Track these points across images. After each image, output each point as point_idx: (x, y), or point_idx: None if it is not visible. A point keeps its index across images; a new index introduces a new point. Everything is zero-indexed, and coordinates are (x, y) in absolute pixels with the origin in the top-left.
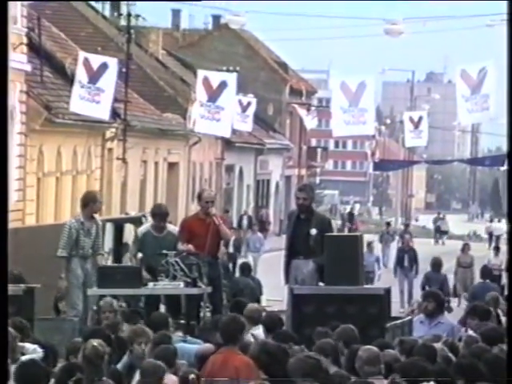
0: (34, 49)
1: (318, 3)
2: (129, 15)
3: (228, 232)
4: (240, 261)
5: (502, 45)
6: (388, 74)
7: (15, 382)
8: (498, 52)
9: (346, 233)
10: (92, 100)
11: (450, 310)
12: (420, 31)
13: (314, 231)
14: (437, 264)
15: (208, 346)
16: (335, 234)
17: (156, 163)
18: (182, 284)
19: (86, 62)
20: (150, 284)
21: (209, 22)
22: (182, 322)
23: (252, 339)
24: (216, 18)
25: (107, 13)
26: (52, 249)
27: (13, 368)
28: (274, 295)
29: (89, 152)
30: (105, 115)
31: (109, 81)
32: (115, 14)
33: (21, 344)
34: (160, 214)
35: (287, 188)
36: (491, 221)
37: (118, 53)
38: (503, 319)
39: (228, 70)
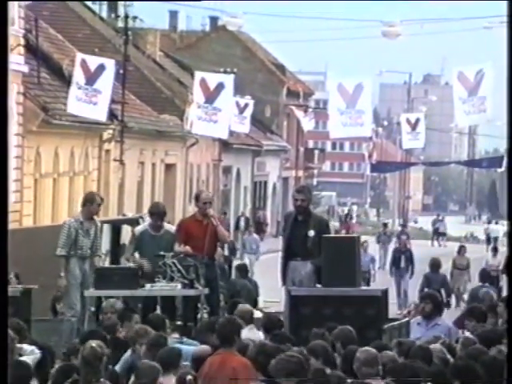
0: (32, 50)
1: (315, 5)
2: (126, 17)
3: (226, 233)
4: (236, 262)
5: (499, 47)
6: (385, 75)
7: None
8: (495, 54)
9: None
10: (89, 101)
11: (448, 305)
12: (417, 33)
13: (311, 233)
14: (435, 264)
15: (205, 347)
16: (332, 235)
17: (153, 164)
18: (179, 285)
19: (84, 64)
20: (147, 285)
21: (206, 23)
22: (179, 323)
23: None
24: (213, 19)
25: (104, 14)
26: (49, 250)
27: None
28: (272, 297)
29: (86, 153)
30: (102, 116)
31: (106, 82)
32: (112, 15)
33: (19, 345)
34: (158, 213)
35: (284, 189)
36: (489, 222)
37: (115, 54)
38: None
39: (225, 72)
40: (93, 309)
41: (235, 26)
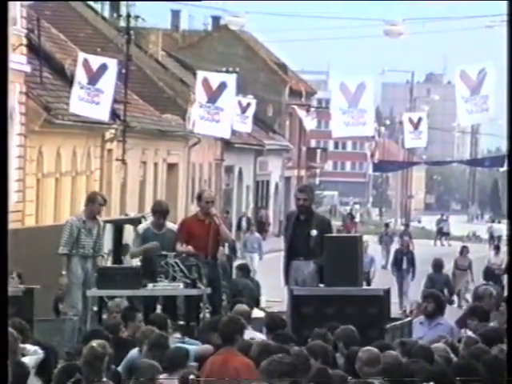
0: (34, 50)
1: (317, 4)
2: (128, 16)
3: (228, 232)
4: (238, 262)
5: (501, 46)
6: (387, 74)
7: None
8: (497, 53)
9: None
10: (91, 101)
11: (451, 302)
12: (419, 32)
13: (314, 232)
14: (438, 265)
15: (207, 347)
16: (335, 234)
17: (155, 164)
18: (181, 285)
19: (86, 63)
20: (150, 285)
21: (208, 22)
22: (182, 323)
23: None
24: (215, 19)
25: (107, 14)
26: (51, 249)
27: None
28: (274, 296)
29: (88, 153)
30: (104, 116)
31: (108, 82)
32: (115, 14)
33: (22, 346)
34: (160, 211)
35: (287, 189)
36: (493, 221)
37: (117, 54)
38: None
39: (227, 71)
40: (95, 308)
41: (237, 25)
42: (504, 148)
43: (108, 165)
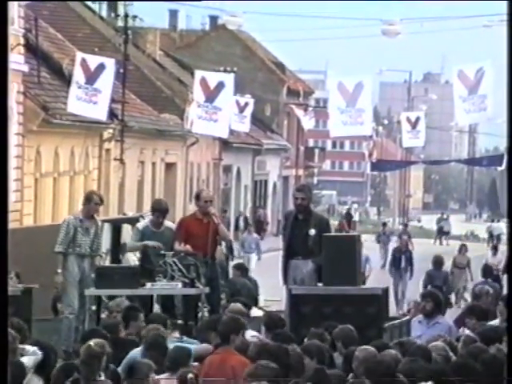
0: (31, 50)
1: (315, 4)
2: (126, 16)
3: (227, 232)
4: (235, 262)
5: (499, 45)
6: (385, 74)
7: None
8: (495, 52)
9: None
10: (89, 101)
11: (450, 305)
12: (417, 31)
13: (312, 232)
14: (438, 262)
15: (205, 346)
16: (333, 234)
17: (153, 164)
18: (179, 284)
19: (84, 63)
20: (148, 284)
21: (206, 22)
22: (180, 322)
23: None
24: (213, 18)
25: (104, 13)
26: (50, 249)
27: None
28: (273, 295)
29: (86, 153)
30: (102, 116)
31: (106, 81)
32: (112, 14)
33: (21, 346)
34: (160, 210)
35: (285, 188)
36: (492, 220)
37: (115, 53)
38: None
39: (225, 71)
40: (93, 308)
41: (235, 24)
42: (502, 147)
43: (106, 164)
